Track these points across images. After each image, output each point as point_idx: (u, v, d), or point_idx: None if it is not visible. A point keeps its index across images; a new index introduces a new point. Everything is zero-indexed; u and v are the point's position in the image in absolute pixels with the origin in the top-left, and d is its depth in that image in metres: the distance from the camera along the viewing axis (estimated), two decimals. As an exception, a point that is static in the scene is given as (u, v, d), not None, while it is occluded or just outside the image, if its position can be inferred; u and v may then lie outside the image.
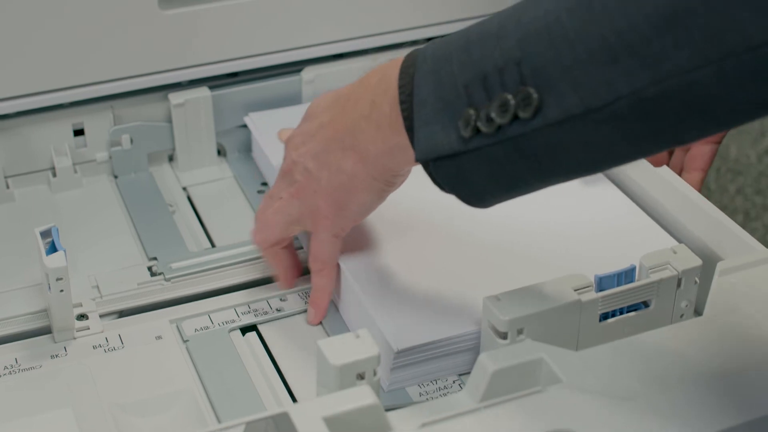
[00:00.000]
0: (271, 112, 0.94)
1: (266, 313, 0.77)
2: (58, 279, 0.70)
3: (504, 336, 0.66)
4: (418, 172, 0.89)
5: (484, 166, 0.59)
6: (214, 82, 0.94)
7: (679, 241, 0.78)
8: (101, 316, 0.76)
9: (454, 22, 0.98)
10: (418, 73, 0.61)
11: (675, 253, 0.71)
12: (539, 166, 0.59)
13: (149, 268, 0.81)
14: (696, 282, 0.71)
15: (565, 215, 0.81)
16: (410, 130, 0.62)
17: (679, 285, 0.70)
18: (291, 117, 0.93)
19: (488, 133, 0.58)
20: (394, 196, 0.85)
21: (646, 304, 0.70)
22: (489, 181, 0.60)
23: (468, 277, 0.75)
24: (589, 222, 0.80)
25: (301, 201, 0.72)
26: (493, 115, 0.57)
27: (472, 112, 0.58)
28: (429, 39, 1.00)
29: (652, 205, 0.81)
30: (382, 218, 0.80)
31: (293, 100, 0.96)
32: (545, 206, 0.82)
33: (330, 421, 0.58)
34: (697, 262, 0.71)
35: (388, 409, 0.61)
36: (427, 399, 0.70)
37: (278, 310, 0.77)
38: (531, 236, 0.79)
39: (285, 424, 0.58)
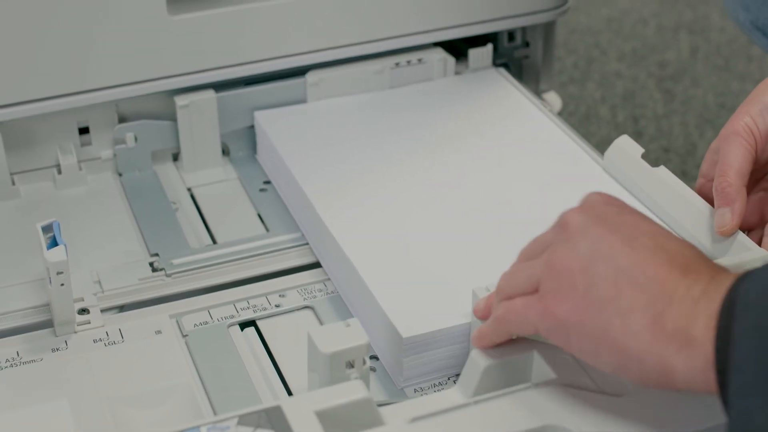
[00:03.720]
0: (278, 111, 0.95)
1: (265, 308, 0.78)
2: (58, 273, 0.71)
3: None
4: (413, 145, 0.89)
5: None
6: (219, 83, 0.95)
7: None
8: (102, 310, 0.77)
9: (456, 27, 0.98)
10: (737, 324, 0.49)
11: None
12: None
13: (151, 264, 0.82)
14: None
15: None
16: (722, 387, 0.50)
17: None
18: (298, 115, 0.94)
19: None
20: (398, 189, 0.85)
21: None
22: None
23: (471, 267, 0.75)
24: None
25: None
26: None
27: None
28: (433, 44, 1.00)
29: (648, 204, 0.81)
30: (388, 210, 0.81)
31: (298, 102, 0.97)
32: (547, 202, 0.82)
33: (322, 415, 0.58)
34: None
35: (380, 404, 0.62)
36: (420, 395, 0.70)
37: (277, 306, 0.78)
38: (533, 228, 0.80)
39: (278, 418, 0.59)
